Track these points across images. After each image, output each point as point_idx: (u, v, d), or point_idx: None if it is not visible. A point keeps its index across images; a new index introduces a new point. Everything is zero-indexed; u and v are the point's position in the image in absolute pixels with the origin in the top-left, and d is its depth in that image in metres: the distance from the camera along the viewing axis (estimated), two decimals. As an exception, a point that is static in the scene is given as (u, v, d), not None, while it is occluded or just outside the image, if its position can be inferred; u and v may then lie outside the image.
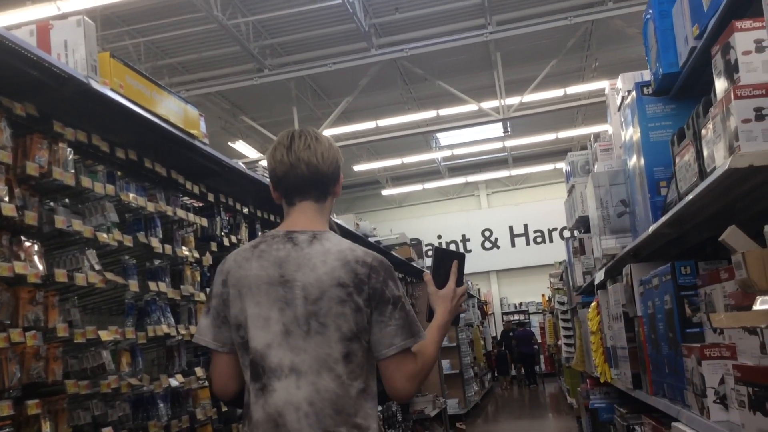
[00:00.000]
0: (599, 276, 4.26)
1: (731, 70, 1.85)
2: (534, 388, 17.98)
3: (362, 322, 1.83)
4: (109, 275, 2.92)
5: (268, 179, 2.04)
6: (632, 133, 3.08)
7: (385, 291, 1.85)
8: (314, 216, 1.96)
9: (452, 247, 21.50)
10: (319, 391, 1.80)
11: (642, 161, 2.89)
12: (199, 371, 3.46)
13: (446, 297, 2.04)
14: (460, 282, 2.08)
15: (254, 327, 1.85)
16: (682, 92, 2.71)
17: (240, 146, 14.43)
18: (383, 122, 14.27)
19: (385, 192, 21.40)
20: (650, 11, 2.74)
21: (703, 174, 2.05)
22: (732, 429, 1.90)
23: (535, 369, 19.32)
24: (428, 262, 13.61)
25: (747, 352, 1.86)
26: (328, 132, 13.33)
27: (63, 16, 2.85)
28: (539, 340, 20.42)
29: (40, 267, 2.54)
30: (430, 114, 14.41)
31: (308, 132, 1.98)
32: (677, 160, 2.38)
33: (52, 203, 2.75)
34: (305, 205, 1.96)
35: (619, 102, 3.59)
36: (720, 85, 1.95)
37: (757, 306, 1.54)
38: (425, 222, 21.57)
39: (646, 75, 3.06)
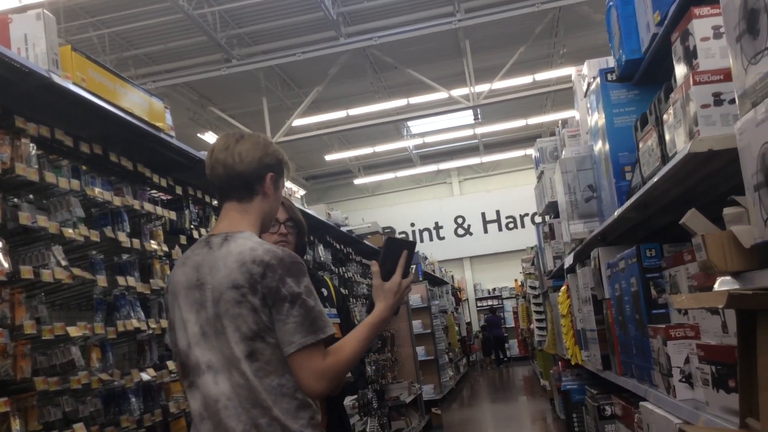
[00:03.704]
0: (568, 260, 4.31)
1: (690, 56, 1.88)
2: (504, 369, 18.70)
3: (261, 321, 1.83)
4: (77, 271, 2.88)
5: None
6: (597, 119, 3.11)
7: (281, 289, 1.82)
8: (235, 217, 1.99)
9: (425, 234, 21.63)
10: (234, 386, 1.85)
11: (607, 146, 2.93)
12: (171, 365, 3.44)
13: (390, 291, 1.99)
14: (406, 273, 2.02)
15: (179, 329, 1.95)
16: (645, 78, 2.75)
17: (209, 137, 14.29)
18: (354, 111, 14.24)
19: (357, 181, 21.38)
20: (613, -2, 2.76)
21: (665, 158, 2.09)
22: (697, 406, 1.94)
23: (504, 351, 20.15)
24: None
25: (710, 332, 1.91)
26: (298, 122, 13.28)
27: (22, 10, 2.79)
28: (513, 325, 20.80)
29: (5, 264, 2.51)
30: (400, 102, 14.39)
31: (234, 134, 2.02)
32: (641, 145, 2.42)
33: (15, 199, 2.70)
34: (228, 206, 2.01)
35: (585, 88, 3.62)
36: (680, 71, 1.98)
37: (717, 287, 1.57)
38: (398, 210, 21.61)
39: (612, 61, 3.09)
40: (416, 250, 2.10)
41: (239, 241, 1.92)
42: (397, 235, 14.01)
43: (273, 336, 1.85)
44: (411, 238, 20.99)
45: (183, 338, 1.94)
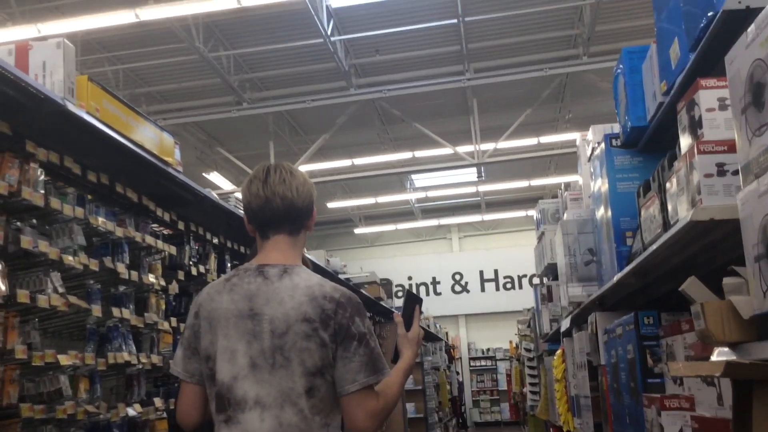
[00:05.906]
0: (565, 323, 4.29)
1: (695, 126, 1.91)
2: None
3: (327, 357, 1.85)
4: (73, 299, 2.87)
5: (240, 210, 2.06)
6: (600, 184, 3.14)
7: (351, 327, 1.87)
8: (287, 250, 1.99)
9: (422, 289, 21.57)
10: (282, 424, 1.80)
11: (609, 211, 2.95)
12: (158, 401, 3.39)
13: (413, 341, 2.10)
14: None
15: (221, 359, 1.87)
16: (650, 146, 2.78)
17: (214, 177, 14.38)
18: (359, 161, 14.34)
19: (357, 230, 21.38)
20: (621, 66, 2.82)
21: (666, 226, 2.10)
22: (688, 480, 1.91)
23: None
24: (397, 302, 13.58)
25: (705, 404, 1.89)
26: (303, 168, 13.33)
27: (43, 38, 2.85)
28: (505, 388, 20.56)
29: (2, 287, 2.50)
30: (405, 155, 14.51)
31: (284, 166, 2.02)
32: (643, 211, 2.43)
33: (19, 223, 2.72)
34: (279, 238, 1.98)
35: (589, 153, 3.66)
36: (684, 140, 2.01)
37: (715, 357, 1.57)
38: (396, 262, 21.53)
39: (616, 128, 3.13)
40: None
41: (303, 276, 1.92)
42: (394, 288, 13.96)
43: (331, 373, 1.86)
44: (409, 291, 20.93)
45: (227, 369, 1.85)
